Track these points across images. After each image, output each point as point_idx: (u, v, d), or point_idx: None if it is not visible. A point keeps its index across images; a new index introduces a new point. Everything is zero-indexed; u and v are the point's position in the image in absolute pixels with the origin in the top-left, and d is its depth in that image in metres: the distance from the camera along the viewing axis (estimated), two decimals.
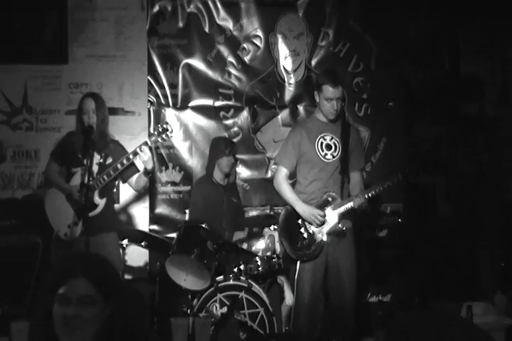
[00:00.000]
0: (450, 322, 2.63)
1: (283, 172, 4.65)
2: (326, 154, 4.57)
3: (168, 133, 4.53)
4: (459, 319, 2.72)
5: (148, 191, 5.69)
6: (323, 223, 4.50)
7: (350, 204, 4.48)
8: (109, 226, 4.66)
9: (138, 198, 5.67)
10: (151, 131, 5.67)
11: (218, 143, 5.39)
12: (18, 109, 5.56)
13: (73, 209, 4.51)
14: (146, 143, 4.49)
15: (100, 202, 4.59)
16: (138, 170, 4.65)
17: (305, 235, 4.55)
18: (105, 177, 4.51)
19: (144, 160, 4.48)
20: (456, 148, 5.13)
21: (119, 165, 4.50)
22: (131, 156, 4.50)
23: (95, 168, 4.55)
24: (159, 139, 4.55)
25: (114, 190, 4.78)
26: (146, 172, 4.60)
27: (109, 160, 4.63)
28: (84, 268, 2.12)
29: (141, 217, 5.71)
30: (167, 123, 4.65)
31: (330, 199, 4.53)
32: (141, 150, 4.46)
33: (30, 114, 5.58)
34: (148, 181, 4.83)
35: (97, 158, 4.57)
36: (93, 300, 2.09)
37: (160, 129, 4.54)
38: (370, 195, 4.48)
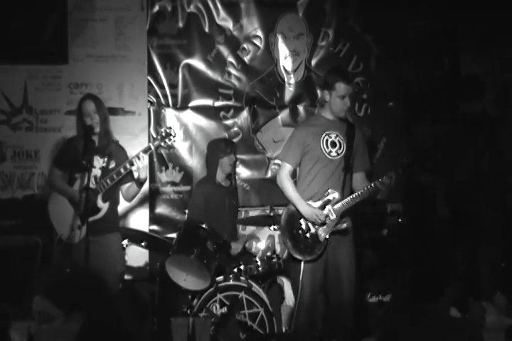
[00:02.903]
0: (439, 322, 2.65)
1: (287, 168, 4.63)
2: (330, 151, 4.56)
3: (171, 137, 4.52)
4: (449, 318, 2.74)
5: (148, 191, 5.69)
6: (324, 223, 4.50)
7: (352, 196, 4.48)
8: (113, 228, 4.66)
9: (138, 198, 5.66)
10: (152, 132, 5.67)
11: (217, 144, 5.39)
12: (18, 109, 5.57)
13: (77, 213, 4.50)
14: (146, 150, 4.46)
15: (103, 206, 4.56)
16: (133, 178, 4.60)
17: (308, 235, 4.54)
18: (108, 181, 4.49)
19: (139, 167, 4.45)
20: (456, 148, 5.13)
21: (122, 170, 4.48)
22: (134, 160, 4.48)
23: (98, 172, 4.53)
24: (162, 144, 4.53)
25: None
26: (139, 181, 4.56)
27: (112, 165, 4.59)
28: (42, 285, 2.12)
29: (141, 217, 5.72)
30: (170, 128, 4.60)
31: (331, 197, 4.52)
32: (139, 158, 4.43)
33: (30, 114, 5.58)
34: (139, 192, 4.72)
35: (99, 162, 4.56)
36: (50, 316, 2.07)
37: (163, 134, 4.53)
38: (369, 187, 4.46)
